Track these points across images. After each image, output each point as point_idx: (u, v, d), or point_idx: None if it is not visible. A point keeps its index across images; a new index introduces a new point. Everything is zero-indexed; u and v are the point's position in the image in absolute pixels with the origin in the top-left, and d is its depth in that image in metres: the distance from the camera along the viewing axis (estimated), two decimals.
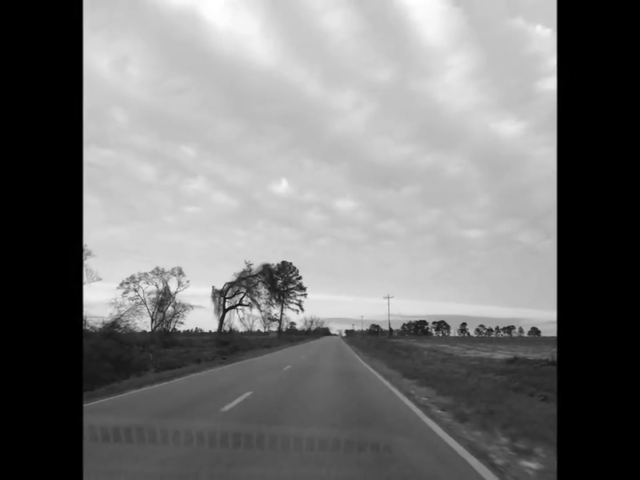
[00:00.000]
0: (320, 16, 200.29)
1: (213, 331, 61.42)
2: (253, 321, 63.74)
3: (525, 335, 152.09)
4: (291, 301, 73.24)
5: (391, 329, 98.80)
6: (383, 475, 4.06)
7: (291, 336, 77.92)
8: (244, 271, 59.13)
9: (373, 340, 63.93)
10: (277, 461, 4.46)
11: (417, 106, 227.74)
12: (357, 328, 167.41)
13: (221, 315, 56.74)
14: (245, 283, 59.46)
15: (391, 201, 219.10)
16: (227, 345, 32.47)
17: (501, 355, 26.89)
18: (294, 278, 73.61)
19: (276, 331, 72.48)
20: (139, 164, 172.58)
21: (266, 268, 61.88)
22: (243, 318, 60.80)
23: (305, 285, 74.08)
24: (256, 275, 60.04)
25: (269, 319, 67.41)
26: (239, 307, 59.84)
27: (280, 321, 72.49)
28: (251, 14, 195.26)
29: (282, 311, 71.66)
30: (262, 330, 71.04)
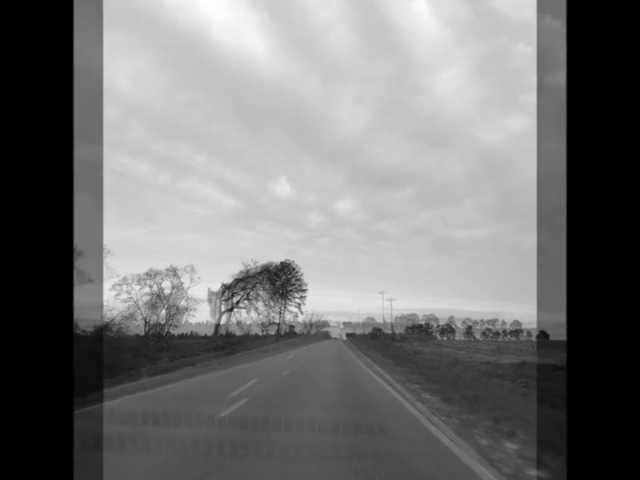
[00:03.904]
0: (321, 34, 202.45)
1: (221, 324, 61.56)
2: (250, 325, 63.74)
3: (508, 326, 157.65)
4: (290, 303, 73.23)
5: (393, 332, 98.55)
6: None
7: (290, 340, 77.80)
8: (240, 272, 59.18)
9: (377, 344, 63.23)
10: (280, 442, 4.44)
11: (410, 116, 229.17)
12: (353, 320, 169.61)
13: (217, 317, 56.74)
14: (243, 284, 59.50)
15: (386, 203, 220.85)
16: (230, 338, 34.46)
17: (508, 359, 27.00)
18: (293, 280, 73.51)
19: (274, 335, 72.44)
20: (155, 170, 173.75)
21: (265, 270, 61.93)
22: (240, 321, 60.81)
23: (305, 281, 74.19)
24: (255, 276, 60.08)
25: (269, 322, 67.43)
26: (236, 310, 59.86)
27: (279, 324, 72.47)
28: (258, 33, 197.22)
29: (281, 312, 71.63)
30: (259, 334, 71.00)
